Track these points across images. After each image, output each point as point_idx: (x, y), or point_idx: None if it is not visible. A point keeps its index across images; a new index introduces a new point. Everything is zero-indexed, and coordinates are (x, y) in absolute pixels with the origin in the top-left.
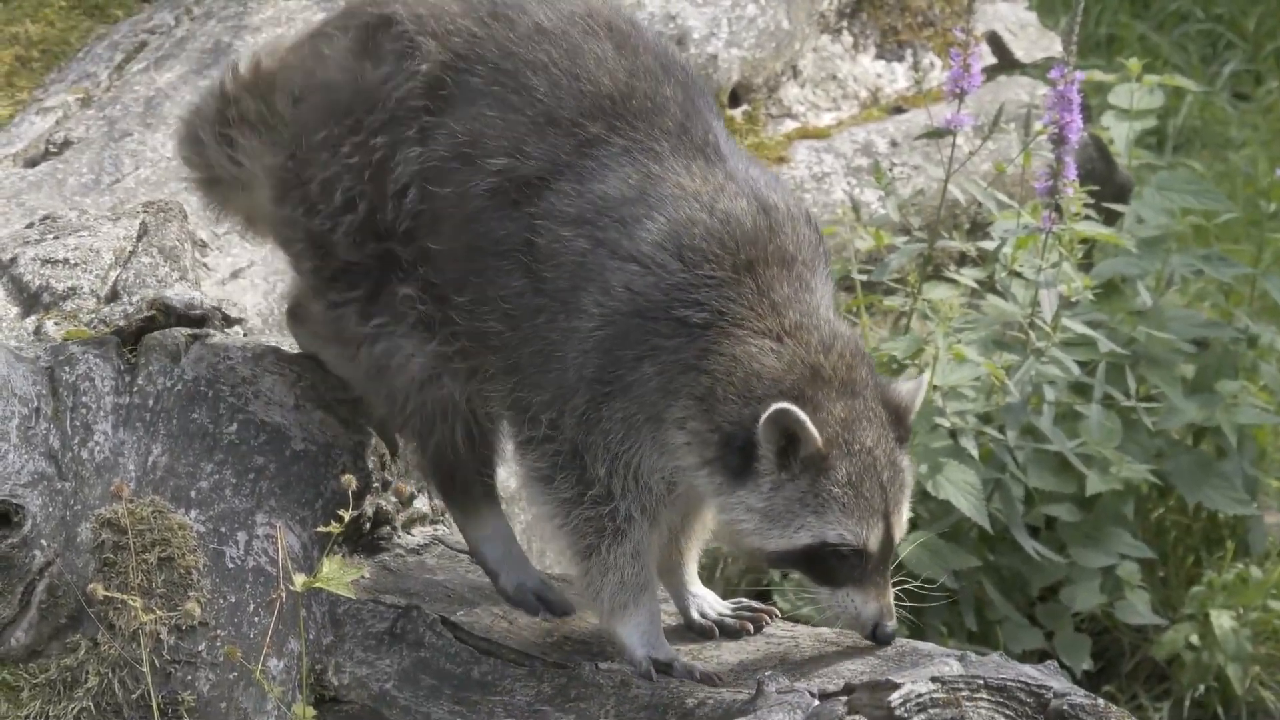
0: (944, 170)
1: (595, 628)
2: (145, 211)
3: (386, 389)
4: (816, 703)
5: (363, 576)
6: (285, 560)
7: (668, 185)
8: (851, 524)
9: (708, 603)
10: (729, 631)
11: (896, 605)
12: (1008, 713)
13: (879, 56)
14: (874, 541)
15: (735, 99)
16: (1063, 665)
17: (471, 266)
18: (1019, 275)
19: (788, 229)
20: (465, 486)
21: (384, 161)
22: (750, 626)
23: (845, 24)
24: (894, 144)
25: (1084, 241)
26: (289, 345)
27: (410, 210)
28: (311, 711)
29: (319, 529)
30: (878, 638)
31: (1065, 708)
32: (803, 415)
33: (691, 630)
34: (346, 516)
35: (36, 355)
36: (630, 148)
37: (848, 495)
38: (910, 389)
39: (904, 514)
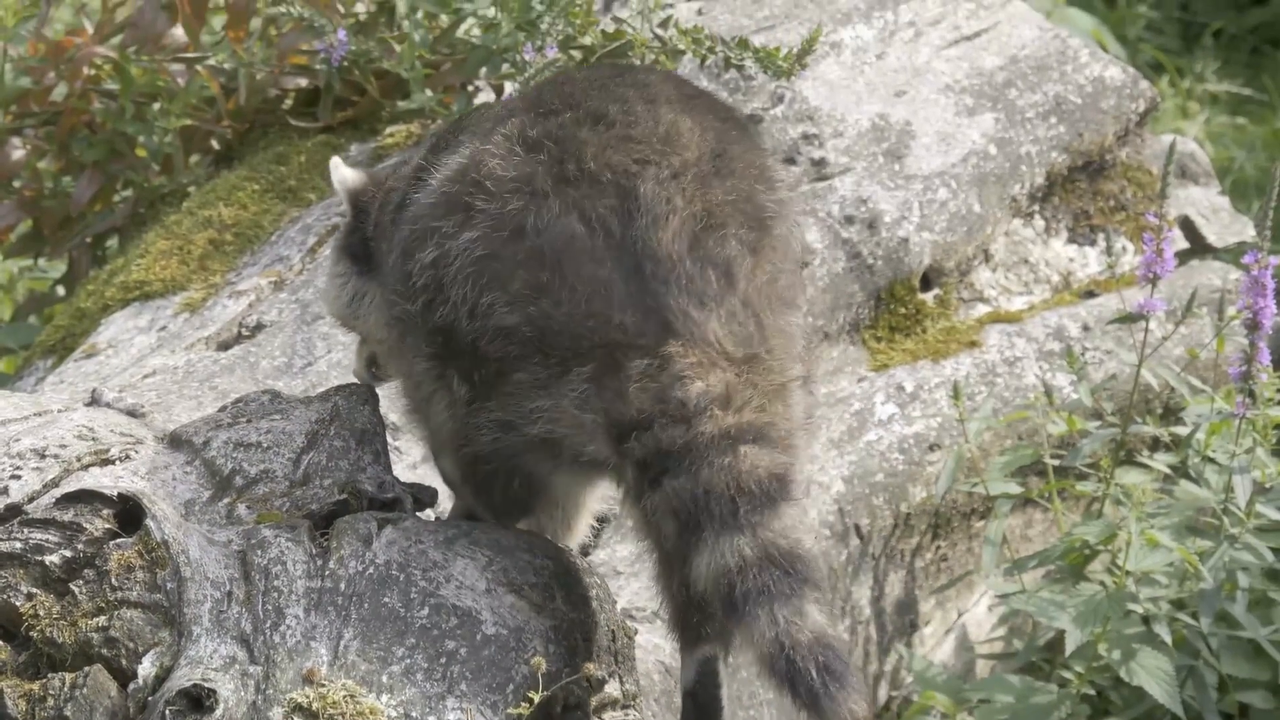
0: (1137, 355)
1: None
2: (337, 395)
3: None
4: None
5: None
6: None
7: None
8: None
9: None
10: None
11: None
12: None
13: (1071, 240)
14: None
15: (927, 282)
16: None
17: None
18: (1212, 461)
19: None
20: None
21: None
22: None
23: (1037, 208)
24: (1086, 328)
25: (1278, 427)
26: (479, 529)
27: None
28: None
29: (510, 711)
30: None
31: None
32: None
33: None
34: (536, 698)
35: (229, 539)
36: None
37: None
38: None
39: None
